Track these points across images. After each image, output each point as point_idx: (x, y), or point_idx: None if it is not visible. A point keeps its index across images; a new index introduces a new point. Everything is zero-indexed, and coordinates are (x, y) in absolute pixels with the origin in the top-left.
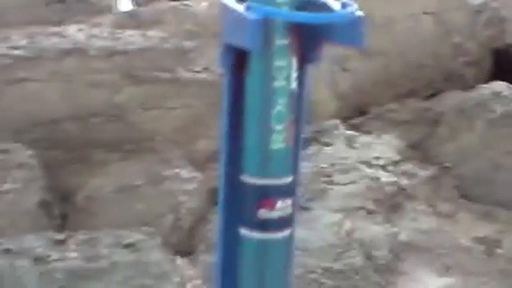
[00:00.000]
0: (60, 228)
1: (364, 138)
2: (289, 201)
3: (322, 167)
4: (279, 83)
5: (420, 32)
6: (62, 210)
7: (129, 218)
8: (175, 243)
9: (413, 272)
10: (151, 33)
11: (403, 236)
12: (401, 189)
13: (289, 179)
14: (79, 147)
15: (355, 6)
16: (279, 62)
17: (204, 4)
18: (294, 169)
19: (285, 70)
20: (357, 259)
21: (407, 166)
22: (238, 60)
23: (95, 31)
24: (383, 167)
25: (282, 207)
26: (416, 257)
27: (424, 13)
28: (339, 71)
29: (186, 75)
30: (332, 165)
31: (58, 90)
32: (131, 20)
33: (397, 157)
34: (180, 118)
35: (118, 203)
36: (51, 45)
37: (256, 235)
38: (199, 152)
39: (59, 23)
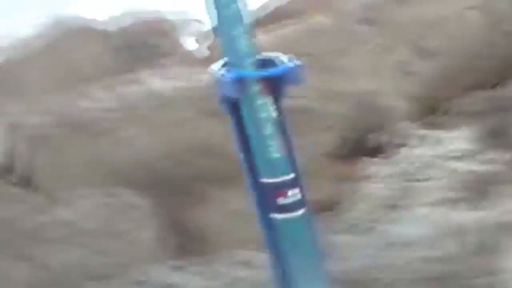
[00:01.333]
0: (178, 257)
1: (438, 134)
2: (296, 190)
3: (403, 167)
4: (263, 114)
5: (471, 26)
6: (177, 241)
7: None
8: None
9: (509, 250)
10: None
11: (492, 219)
12: (483, 176)
13: (291, 175)
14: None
15: (296, 59)
16: (259, 101)
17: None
18: (293, 168)
19: (265, 105)
20: (452, 246)
21: (485, 154)
22: (235, 103)
23: (167, 73)
24: (460, 158)
25: (293, 194)
26: (509, 236)
27: (471, 8)
28: (402, 75)
29: None
30: (412, 163)
31: (146, 133)
32: (198, 58)
33: (472, 147)
34: None
35: (229, 227)
36: (129, 92)
37: (281, 216)
38: None
39: (130, 70)
